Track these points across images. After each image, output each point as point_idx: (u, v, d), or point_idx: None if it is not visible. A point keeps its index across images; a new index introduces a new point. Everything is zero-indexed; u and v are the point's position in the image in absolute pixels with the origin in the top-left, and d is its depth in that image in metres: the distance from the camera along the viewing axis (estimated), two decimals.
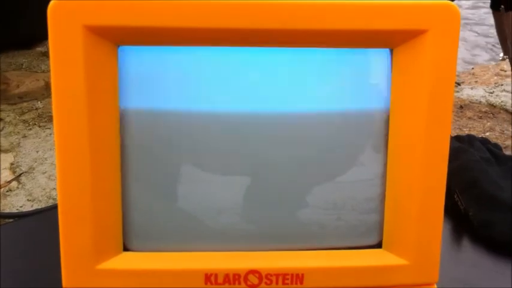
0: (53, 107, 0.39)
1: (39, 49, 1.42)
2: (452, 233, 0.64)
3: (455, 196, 0.66)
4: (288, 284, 0.43)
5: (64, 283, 0.42)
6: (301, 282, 0.43)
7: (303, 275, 0.43)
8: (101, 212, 0.41)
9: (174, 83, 0.41)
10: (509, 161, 0.73)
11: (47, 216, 0.72)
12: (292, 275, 0.43)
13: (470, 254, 0.61)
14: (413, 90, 0.41)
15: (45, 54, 1.37)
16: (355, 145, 0.44)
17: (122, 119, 0.40)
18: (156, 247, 0.43)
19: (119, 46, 0.39)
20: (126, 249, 0.43)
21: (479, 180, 0.65)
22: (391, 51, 0.41)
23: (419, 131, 0.41)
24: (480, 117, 1.06)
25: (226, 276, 0.42)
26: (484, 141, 0.78)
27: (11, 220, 0.80)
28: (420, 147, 0.41)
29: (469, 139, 0.77)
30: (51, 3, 0.37)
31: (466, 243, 0.63)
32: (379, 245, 0.44)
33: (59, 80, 0.38)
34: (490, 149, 0.75)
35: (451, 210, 0.66)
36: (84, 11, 0.37)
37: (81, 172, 0.40)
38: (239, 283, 0.42)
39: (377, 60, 0.42)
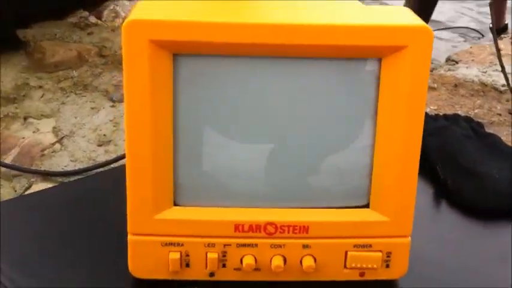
0: (125, 98, 0.48)
1: (71, 20, 1.38)
2: (433, 198, 0.72)
3: (438, 167, 0.75)
4: (296, 233, 0.52)
5: (129, 228, 0.52)
6: (307, 232, 0.52)
7: (308, 226, 0.52)
8: (158, 174, 0.50)
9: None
10: (487, 138, 0.82)
11: (90, 174, 0.82)
12: (300, 226, 0.51)
13: (446, 215, 0.69)
14: (396, 91, 0.49)
15: (77, 25, 1.33)
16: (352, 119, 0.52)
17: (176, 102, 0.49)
18: (198, 203, 0.52)
19: (175, 55, 0.48)
20: (175, 204, 0.52)
21: (457, 155, 0.75)
22: (380, 60, 0.49)
23: (399, 118, 0.49)
24: (472, 95, 1.06)
25: (250, 226, 0.51)
26: (468, 120, 0.87)
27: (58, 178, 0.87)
28: (400, 131, 0.49)
29: (455, 118, 0.86)
30: (125, 22, 0.46)
31: (444, 207, 0.71)
32: (367, 206, 0.53)
33: (130, 81, 0.48)
34: (473, 126, 0.84)
35: (433, 180, 0.74)
36: (150, 29, 0.46)
37: (144, 146, 0.49)
38: (259, 231, 0.52)
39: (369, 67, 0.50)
